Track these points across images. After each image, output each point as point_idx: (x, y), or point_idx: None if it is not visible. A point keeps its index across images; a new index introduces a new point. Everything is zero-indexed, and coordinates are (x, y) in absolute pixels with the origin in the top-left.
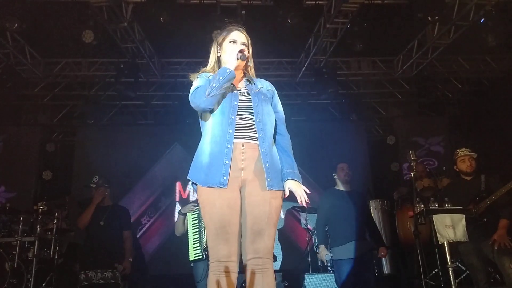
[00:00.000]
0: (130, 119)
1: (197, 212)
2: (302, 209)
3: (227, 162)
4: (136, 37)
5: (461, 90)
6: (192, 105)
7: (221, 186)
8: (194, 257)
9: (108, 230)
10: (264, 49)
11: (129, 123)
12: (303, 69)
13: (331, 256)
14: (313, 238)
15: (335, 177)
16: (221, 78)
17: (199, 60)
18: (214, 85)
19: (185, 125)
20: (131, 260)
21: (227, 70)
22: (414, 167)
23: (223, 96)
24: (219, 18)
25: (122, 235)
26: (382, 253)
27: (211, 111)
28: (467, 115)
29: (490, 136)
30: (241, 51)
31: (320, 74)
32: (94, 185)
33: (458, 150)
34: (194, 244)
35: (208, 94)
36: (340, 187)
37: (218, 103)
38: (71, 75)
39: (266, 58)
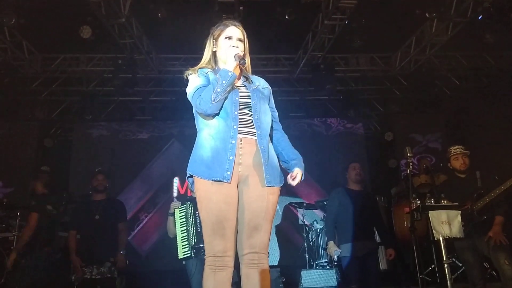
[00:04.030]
0: (127, 114)
1: (184, 210)
2: (299, 205)
3: (231, 157)
4: (134, 33)
5: (459, 87)
6: (198, 110)
7: (224, 181)
8: (183, 255)
9: (103, 224)
10: (262, 46)
11: (126, 119)
12: (301, 66)
13: (340, 252)
14: (310, 234)
15: (347, 176)
16: (224, 82)
17: (197, 56)
18: (218, 89)
19: (183, 121)
20: (123, 252)
21: (229, 73)
22: (411, 164)
23: None
24: (217, 14)
25: (118, 228)
26: (390, 255)
27: None
28: (465, 112)
29: (488, 133)
30: (239, 56)
31: (318, 71)
32: (100, 168)
33: (451, 148)
34: (182, 242)
35: (214, 100)
36: (351, 186)
37: None
38: (69, 70)
39: (264, 55)
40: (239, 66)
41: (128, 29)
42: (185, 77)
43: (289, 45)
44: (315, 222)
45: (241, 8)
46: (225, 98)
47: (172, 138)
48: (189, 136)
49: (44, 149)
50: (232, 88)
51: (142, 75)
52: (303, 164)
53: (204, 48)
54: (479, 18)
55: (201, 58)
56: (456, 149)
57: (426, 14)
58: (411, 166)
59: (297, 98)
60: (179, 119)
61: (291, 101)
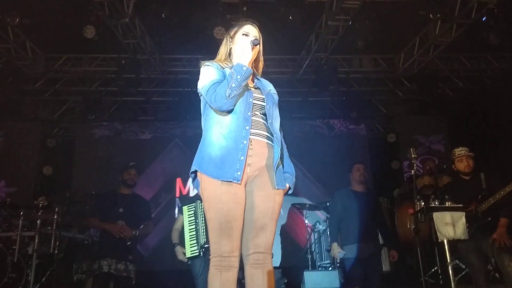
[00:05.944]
0: (130, 115)
1: (194, 208)
2: (302, 206)
3: (242, 158)
4: (137, 33)
5: (463, 88)
6: (212, 106)
7: (234, 181)
8: (191, 254)
9: (126, 218)
10: (265, 46)
11: (129, 119)
12: (304, 66)
13: (344, 254)
14: (312, 236)
15: (350, 177)
16: (239, 77)
17: (200, 56)
18: (233, 85)
19: (185, 122)
20: (135, 233)
21: (244, 68)
22: (415, 165)
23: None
24: (220, 14)
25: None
26: (393, 257)
27: None
28: (468, 114)
29: (491, 135)
30: (255, 41)
31: (321, 71)
32: (134, 163)
33: (455, 150)
34: (190, 240)
35: (229, 96)
36: (354, 187)
37: None
38: (72, 70)
39: (267, 55)
40: (252, 68)
41: (131, 29)
42: (200, 66)
43: (292, 46)
44: (318, 223)
45: (244, 8)
46: (240, 96)
47: (175, 139)
48: (191, 137)
49: (46, 149)
50: (247, 87)
51: (145, 76)
52: (294, 179)
53: (211, 50)
54: (483, 19)
55: (204, 59)
56: (460, 151)
57: (430, 15)
58: (415, 167)
59: (300, 99)
60: (181, 120)
61: (294, 102)
